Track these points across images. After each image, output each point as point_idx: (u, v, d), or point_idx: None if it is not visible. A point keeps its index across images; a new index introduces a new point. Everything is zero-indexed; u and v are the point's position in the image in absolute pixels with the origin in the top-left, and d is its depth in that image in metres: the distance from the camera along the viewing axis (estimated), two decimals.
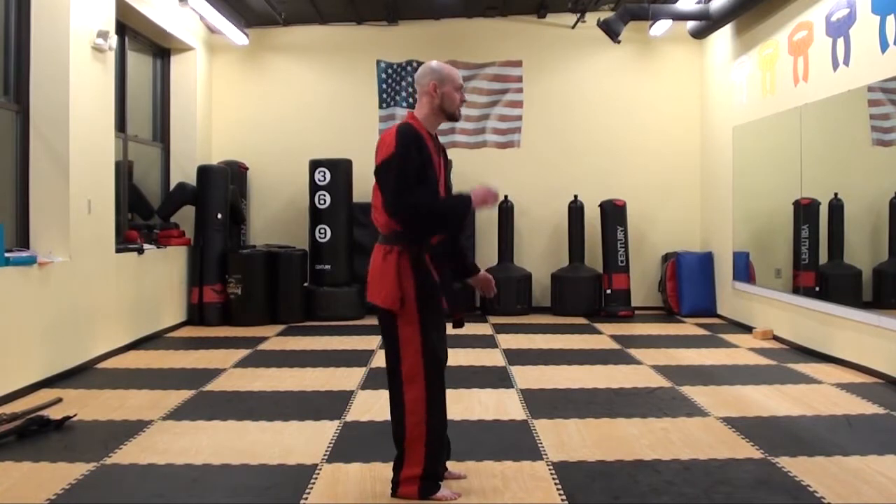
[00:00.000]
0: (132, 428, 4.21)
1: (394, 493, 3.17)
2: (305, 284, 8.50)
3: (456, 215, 3.22)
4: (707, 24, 8.19)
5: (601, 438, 4.00)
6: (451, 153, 8.98)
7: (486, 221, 9.16)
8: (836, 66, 6.04)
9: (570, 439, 3.99)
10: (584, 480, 3.40)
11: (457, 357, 6.24)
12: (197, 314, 8.06)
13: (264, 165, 9.30)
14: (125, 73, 7.51)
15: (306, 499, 3.19)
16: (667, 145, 9.27)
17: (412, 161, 3.05)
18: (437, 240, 3.21)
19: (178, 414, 4.54)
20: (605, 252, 8.77)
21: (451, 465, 3.42)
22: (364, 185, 8.47)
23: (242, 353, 6.52)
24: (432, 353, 3.10)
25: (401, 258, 3.08)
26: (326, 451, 3.81)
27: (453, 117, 3.25)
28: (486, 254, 9.12)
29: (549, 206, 9.23)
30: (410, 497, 3.13)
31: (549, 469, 3.53)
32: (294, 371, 5.81)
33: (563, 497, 3.19)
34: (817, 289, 6.52)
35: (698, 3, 8.05)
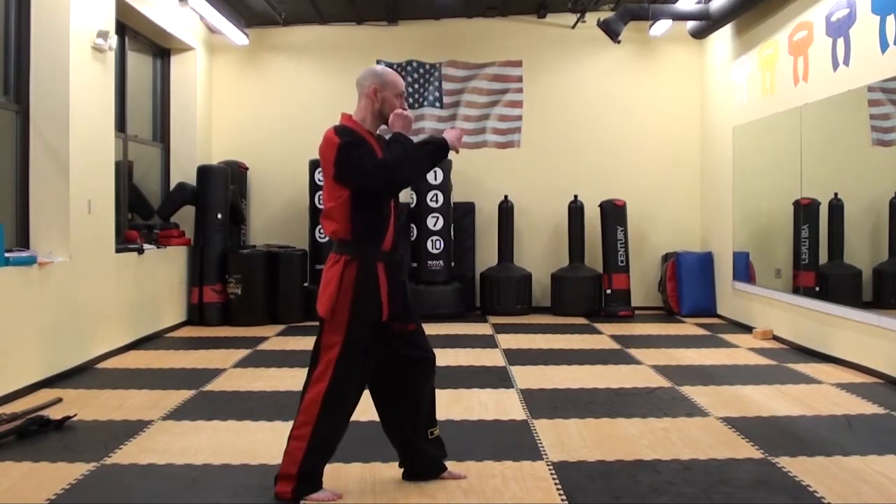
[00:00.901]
0: (132, 428, 4.21)
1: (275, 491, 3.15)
2: (305, 284, 8.49)
3: (432, 152, 3.20)
4: (707, 24, 8.20)
5: (601, 438, 4.00)
6: (451, 153, 8.99)
7: (486, 221, 9.16)
8: (836, 66, 6.04)
9: (570, 439, 3.99)
10: (584, 480, 3.40)
11: (457, 357, 6.27)
12: (197, 314, 8.06)
13: (264, 165, 9.30)
14: (125, 73, 7.51)
15: (306, 499, 3.18)
16: (667, 145, 9.27)
17: (363, 146, 3.10)
18: (390, 247, 3.19)
19: (178, 414, 4.54)
20: (605, 252, 8.77)
21: (452, 465, 3.43)
22: None
23: (242, 353, 6.52)
24: (347, 366, 3.08)
25: (346, 268, 3.10)
26: None
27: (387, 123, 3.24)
28: (486, 254, 9.13)
29: (549, 206, 9.23)
30: (284, 496, 3.11)
31: (549, 469, 3.53)
32: (294, 371, 5.80)
33: (563, 497, 3.19)
34: (817, 289, 6.52)
35: (698, 3, 8.05)
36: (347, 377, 3.10)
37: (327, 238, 8.24)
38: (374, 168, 3.07)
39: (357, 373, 3.14)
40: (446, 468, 3.37)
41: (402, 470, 3.40)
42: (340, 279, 3.08)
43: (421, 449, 3.33)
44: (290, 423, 4.31)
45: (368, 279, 3.10)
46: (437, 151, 3.21)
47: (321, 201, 8.46)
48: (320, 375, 3.09)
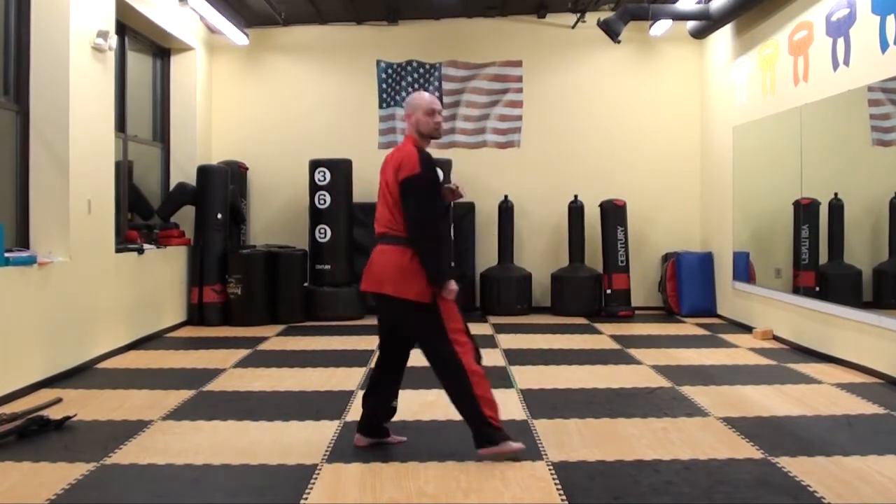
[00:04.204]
0: (132, 428, 4.21)
1: (479, 446, 3.62)
2: (305, 284, 8.50)
3: (437, 263, 3.62)
4: (707, 24, 8.20)
5: (601, 438, 4.00)
6: (451, 153, 9.02)
7: (486, 221, 9.16)
8: (836, 66, 6.04)
9: (570, 439, 3.99)
10: (584, 480, 3.40)
11: None
12: (197, 314, 8.06)
13: (264, 165, 9.30)
14: (125, 73, 7.50)
15: (306, 499, 3.19)
16: (667, 145, 9.27)
17: (433, 184, 3.67)
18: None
19: (178, 414, 4.54)
20: (605, 252, 8.78)
21: (452, 466, 3.44)
22: (364, 186, 8.49)
23: (242, 353, 6.52)
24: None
25: (415, 260, 3.58)
26: (326, 451, 3.81)
27: (431, 136, 3.78)
28: (486, 254, 9.13)
29: (549, 206, 9.23)
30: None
31: (549, 469, 3.53)
32: (294, 371, 5.81)
33: (563, 497, 3.19)
34: (817, 289, 6.52)
35: (698, 3, 8.05)
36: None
37: (327, 238, 8.36)
38: (425, 213, 3.61)
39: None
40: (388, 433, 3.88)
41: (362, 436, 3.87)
42: (420, 269, 3.58)
43: (380, 406, 3.86)
44: (291, 423, 4.34)
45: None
46: (434, 273, 3.59)
47: (320, 202, 8.58)
48: (459, 341, 3.63)
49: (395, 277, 3.60)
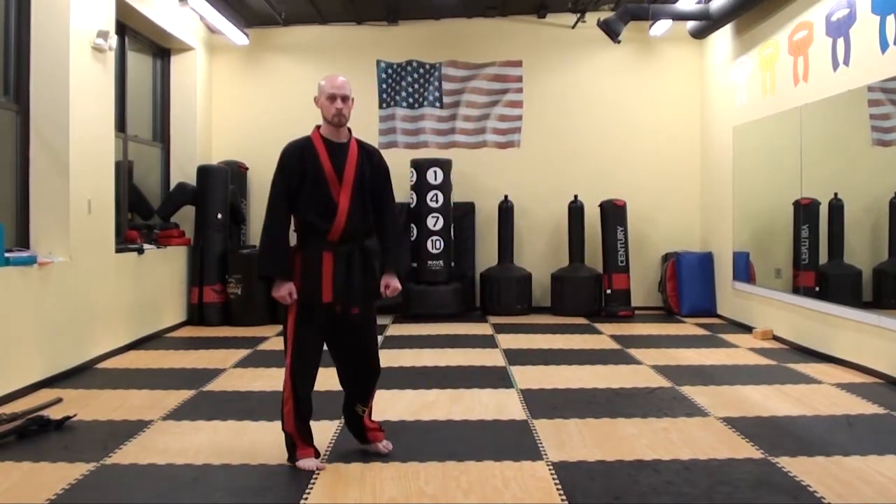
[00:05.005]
0: (132, 428, 4.21)
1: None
2: None
3: (262, 260, 3.63)
4: (707, 24, 8.20)
5: (601, 438, 4.00)
6: (451, 153, 9.03)
7: (486, 221, 9.17)
8: (836, 66, 6.04)
9: (570, 439, 3.99)
10: (584, 480, 3.40)
11: (457, 357, 6.27)
12: (197, 314, 8.06)
13: (264, 165, 9.21)
14: (125, 73, 7.50)
15: (306, 499, 3.19)
16: (667, 145, 9.27)
17: (283, 181, 3.57)
18: (339, 235, 3.54)
19: (178, 414, 4.54)
20: (605, 252, 8.77)
21: (452, 466, 3.44)
22: None
23: (242, 353, 6.52)
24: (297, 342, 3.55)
25: (295, 256, 3.59)
26: (326, 451, 3.81)
27: (331, 124, 3.57)
28: (487, 254, 9.13)
29: (549, 207, 9.23)
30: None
31: (549, 469, 3.53)
32: None
33: (563, 497, 3.19)
34: (817, 289, 6.52)
35: (698, 3, 8.05)
36: (298, 352, 3.59)
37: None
38: (270, 200, 3.62)
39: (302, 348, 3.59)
40: (370, 439, 3.75)
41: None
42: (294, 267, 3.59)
43: (347, 412, 3.79)
44: None
45: (307, 265, 3.57)
46: (263, 266, 3.62)
47: None
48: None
49: None
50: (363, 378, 3.72)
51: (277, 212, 3.59)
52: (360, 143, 3.68)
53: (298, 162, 3.55)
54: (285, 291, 3.49)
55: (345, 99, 3.55)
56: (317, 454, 3.62)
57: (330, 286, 3.50)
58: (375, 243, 3.69)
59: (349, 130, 3.66)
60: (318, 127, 3.64)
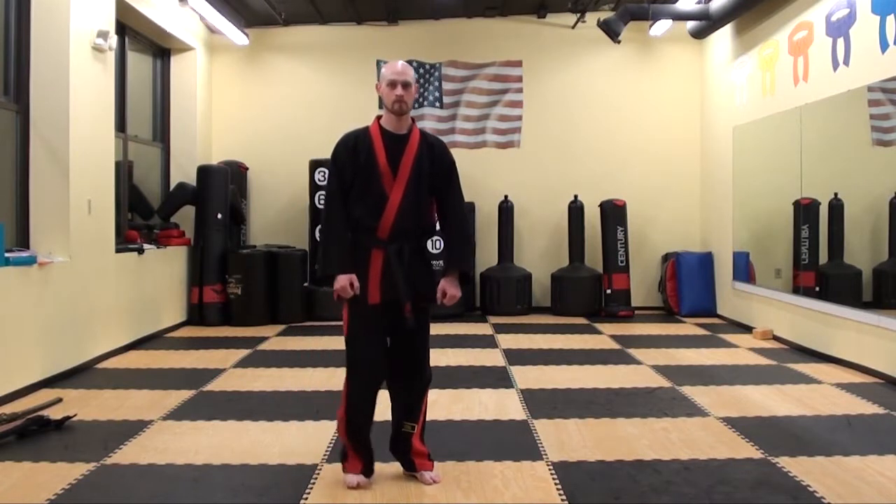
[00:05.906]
0: (132, 428, 4.21)
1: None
2: (305, 284, 8.49)
3: (322, 260, 3.33)
4: (707, 24, 8.20)
5: (601, 438, 4.00)
6: (452, 153, 9.01)
7: (486, 221, 9.17)
8: (836, 66, 6.04)
9: (570, 439, 3.99)
10: (584, 480, 3.40)
11: (457, 357, 6.27)
12: (197, 314, 8.06)
13: (264, 165, 9.30)
14: (125, 73, 7.50)
15: (306, 499, 3.19)
16: (667, 145, 9.27)
17: (336, 174, 3.33)
18: (389, 232, 3.25)
19: (178, 414, 4.54)
20: (605, 252, 8.77)
21: (452, 466, 3.44)
22: None
23: (242, 353, 6.52)
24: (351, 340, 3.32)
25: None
26: (326, 451, 3.81)
27: (392, 112, 3.42)
28: (487, 254, 9.13)
29: (549, 206, 9.23)
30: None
31: (549, 469, 3.53)
32: (294, 371, 5.81)
33: (563, 497, 3.19)
34: (817, 289, 6.52)
35: (698, 3, 8.05)
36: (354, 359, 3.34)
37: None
38: (325, 197, 3.36)
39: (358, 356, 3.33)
40: (416, 466, 3.38)
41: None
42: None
43: (394, 431, 3.44)
44: (291, 423, 4.34)
45: (361, 265, 3.27)
46: (322, 265, 3.31)
47: (320, 202, 8.56)
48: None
49: None
50: (408, 387, 3.38)
51: (333, 209, 3.29)
52: (422, 134, 3.43)
53: (352, 153, 3.34)
54: (346, 281, 3.18)
55: (406, 85, 3.36)
56: (368, 471, 3.34)
57: (378, 287, 3.22)
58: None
59: (412, 121, 3.46)
60: (378, 117, 3.47)
